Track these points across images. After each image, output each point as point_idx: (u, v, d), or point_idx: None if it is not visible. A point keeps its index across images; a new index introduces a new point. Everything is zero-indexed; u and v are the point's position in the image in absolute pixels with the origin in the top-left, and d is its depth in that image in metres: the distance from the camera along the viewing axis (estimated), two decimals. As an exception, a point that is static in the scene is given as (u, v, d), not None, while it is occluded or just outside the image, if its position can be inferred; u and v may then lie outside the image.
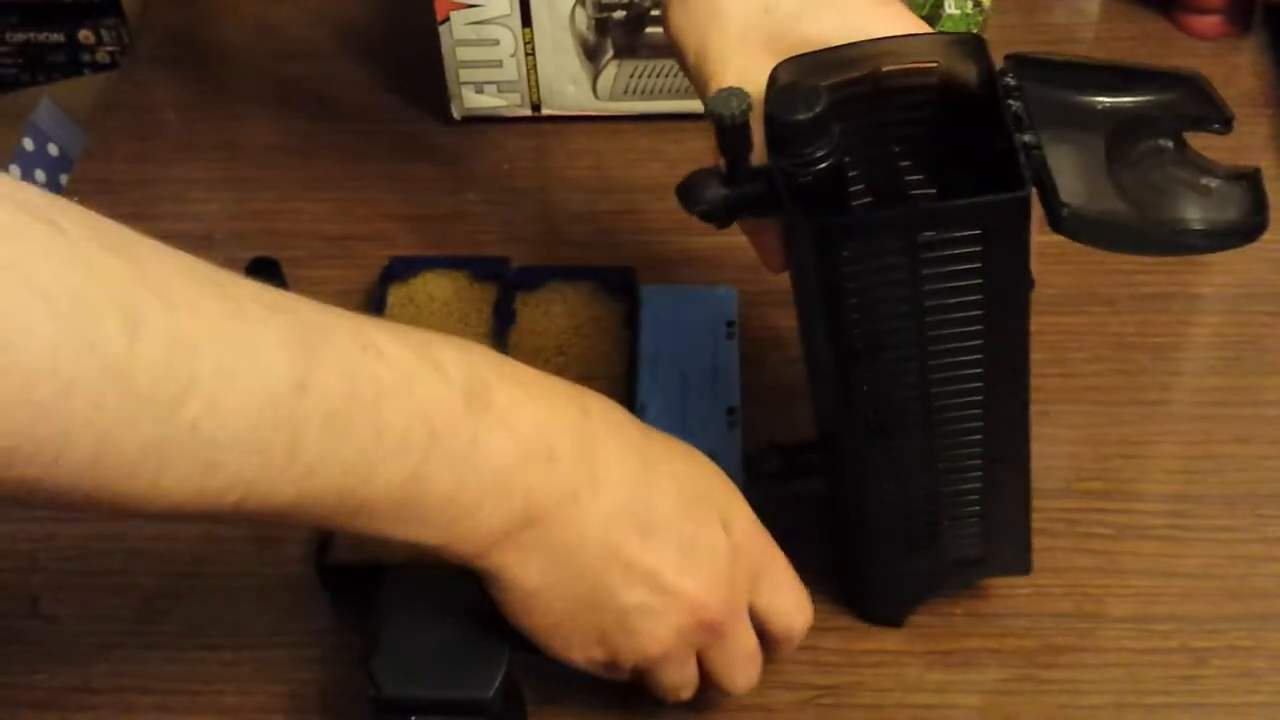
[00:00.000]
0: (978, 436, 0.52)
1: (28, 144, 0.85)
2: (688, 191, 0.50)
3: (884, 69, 0.50)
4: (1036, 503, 0.61)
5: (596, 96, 0.80)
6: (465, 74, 0.79)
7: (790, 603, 0.53)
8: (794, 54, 0.50)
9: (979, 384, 0.51)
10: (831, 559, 0.59)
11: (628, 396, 0.64)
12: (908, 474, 0.53)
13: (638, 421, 0.51)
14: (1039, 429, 0.64)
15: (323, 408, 0.41)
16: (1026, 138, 0.48)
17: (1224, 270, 0.72)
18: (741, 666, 0.52)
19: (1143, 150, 0.50)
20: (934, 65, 0.50)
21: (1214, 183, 0.49)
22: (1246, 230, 0.48)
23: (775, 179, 0.48)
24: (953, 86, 0.50)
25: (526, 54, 0.78)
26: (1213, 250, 0.51)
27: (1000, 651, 0.57)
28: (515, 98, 0.80)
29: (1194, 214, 0.49)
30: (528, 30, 0.77)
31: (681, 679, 0.52)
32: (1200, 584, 0.59)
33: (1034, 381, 0.65)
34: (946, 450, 0.52)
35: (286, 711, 0.57)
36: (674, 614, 0.49)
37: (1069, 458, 0.64)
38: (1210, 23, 0.84)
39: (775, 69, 0.49)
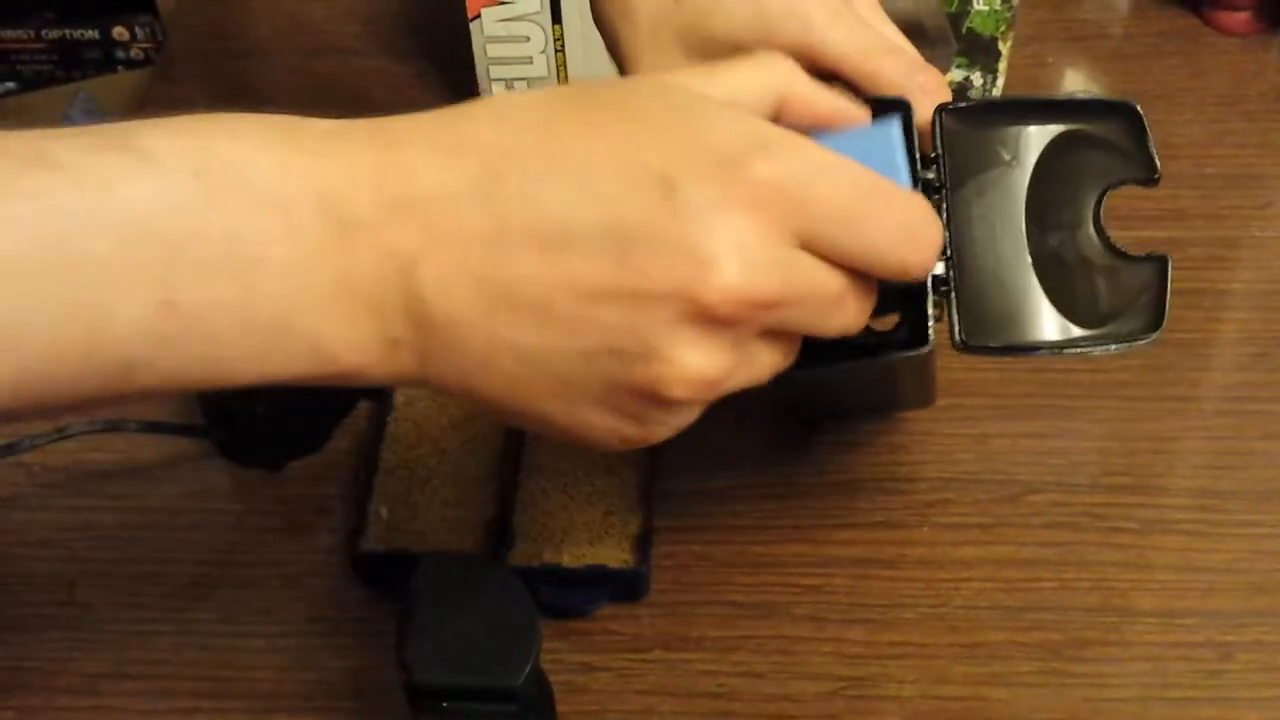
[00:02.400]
0: None
1: (63, 139, 0.86)
2: None
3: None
4: (1062, 497, 0.62)
5: (625, 92, 0.80)
6: (496, 70, 0.79)
7: (887, 236, 0.41)
8: (705, 48, 0.50)
9: None
10: None
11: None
12: None
13: (522, 102, 0.40)
14: (1067, 423, 0.65)
15: None
16: (937, 269, 0.49)
17: (1253, 266, 0.72)
18: (831, 315, 0.41)
19: (1063, 216, 0.51)
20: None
21: (1123, 267, 0.51)
22: (1135, 338, 0.50)
23: None
24: None
25: (556, 50, 0.78)
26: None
27: (1026, 644, 0.58)
28: (545, 94, 0.80)
29: (1089, 313, 0.50)
30: (558, 27, 0.77)
31: (757, 370, 0.41)
32: (1227, 579, 0.59)
33: (1063, 377, 0.66)
34: None
35: (319, 698, 0.57)
36: (663, 320, 0.38)
37: (1096, 453, 0.64)
38: (1239, 19, 0.84)
39: None
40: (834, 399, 0.61)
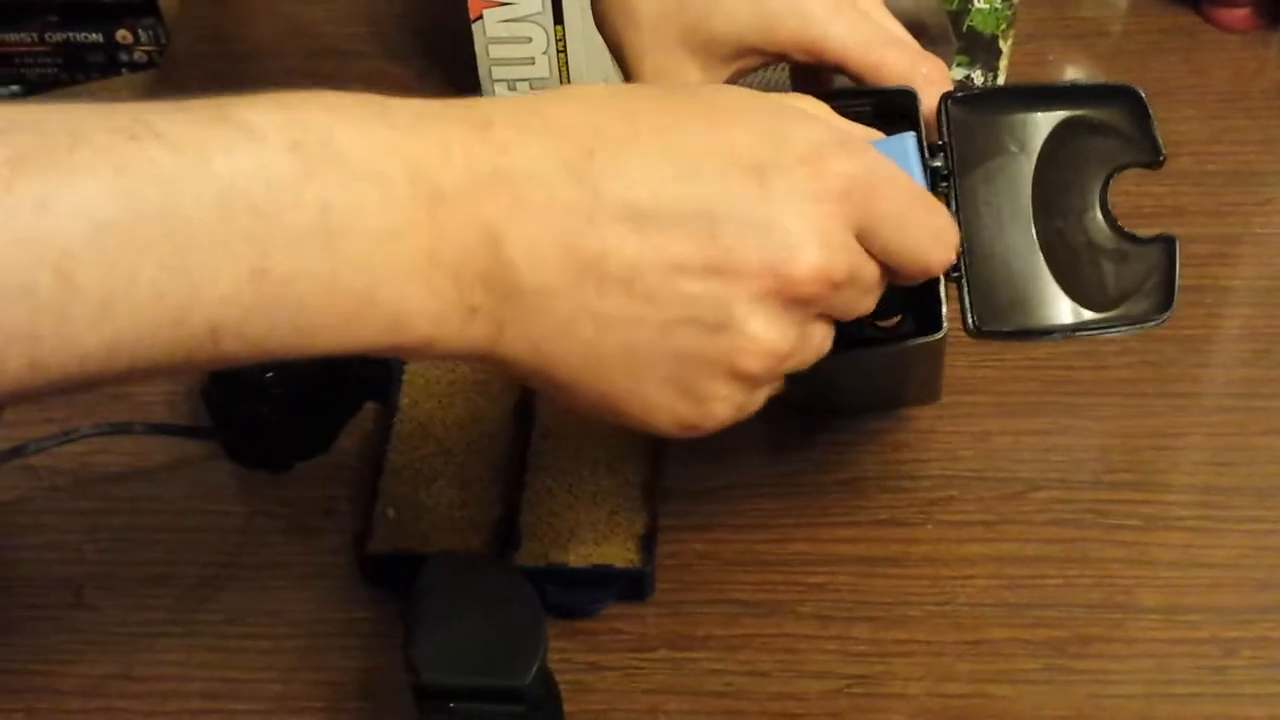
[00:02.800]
0: None
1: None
2: None
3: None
4: (1066, 494, 0.62)
5: (627, 93, 0.81)
6: (498, 71, 0.79)
7: (923, 239, 0.45)
8: (709, 48, 0.51)
9: None
10: None
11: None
12: None
13: (607, 92, 0.44)
14: (1069, 420, 0.65)
15: (81, 224, 0.34)
16: (954, 271, 0.50)
17: (1255, 262, 0.72)
18: (863, 300, 0.45)
19: (1069, 201, 0.52)
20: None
21: (1131, 250, 0.51)
22: (1146, 319, 0.51)
23: None
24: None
25: (558, 51, 0.78)
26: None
27: (1031, 642, 0.58)
28: (547, 94, 0.81)
29: (1099, 297, 0.51)
30: (559, 28, 0.77)
31: (810, 351, 0.44)
32: (1230, 575, 0.60)
33: (1065, 374, 0.66)
34: None
35: (327, 699, 0.57)
36: (745, 296, 0.41)
37: (1099, 449, 0.64)
38: (1239, 15, 0.84)
39: None
40: (844, 394, 0.61)
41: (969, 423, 0.65)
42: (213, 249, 0.36)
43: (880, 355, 0.52)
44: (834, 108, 0.47)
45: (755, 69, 0.53)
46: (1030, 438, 0.64)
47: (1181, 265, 0.50)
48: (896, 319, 0.52)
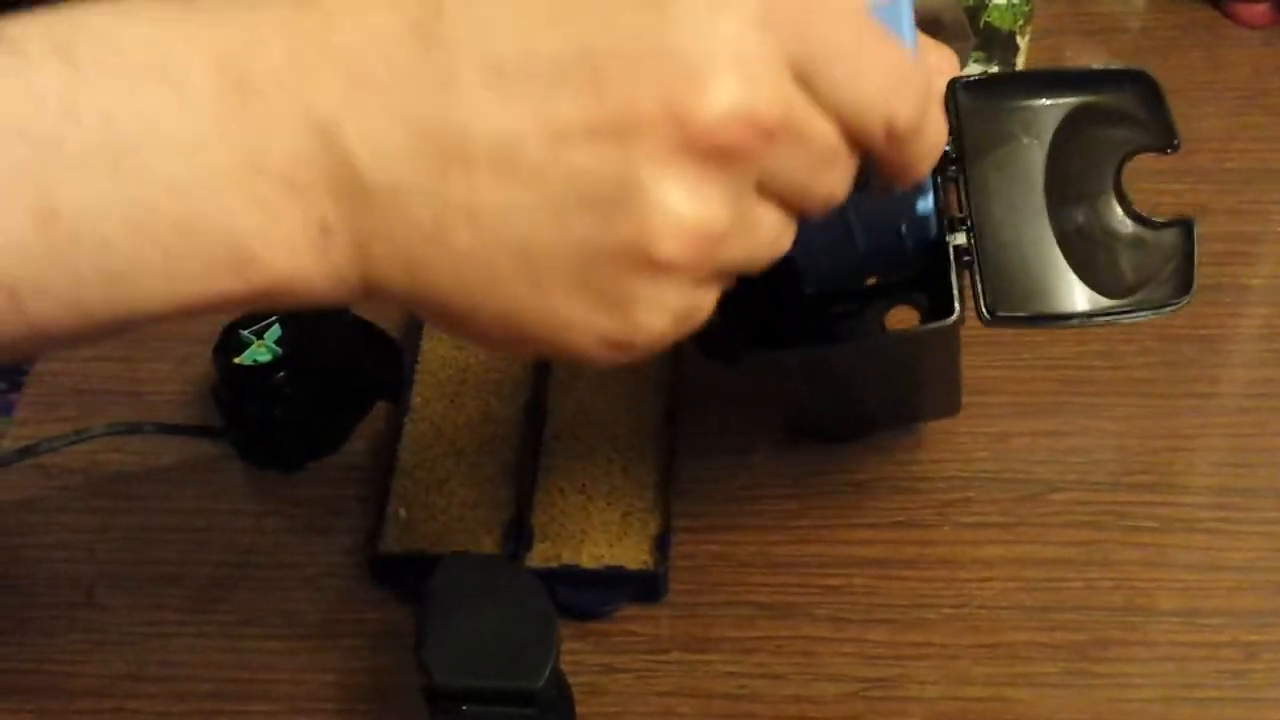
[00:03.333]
0: None
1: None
2: None
3: None
4: (1084, 495, 0.61)
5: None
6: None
7: (875, 79, 0.35)
8: None
9: None
10: None
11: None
12: None
13: None
14: (1087, 421, 0.64)
15: None
16: (958, 239, 0.49)
17: (1274, 261, 0.71)
18: (822, 172, 0.35)
19: (1084, 188, 0.51)
20: None
21: (1148, 236, 0.50)
22: (1166, 304, 0.50)
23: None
24: None
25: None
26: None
27: (1049, 645, 0.57)
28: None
29: (1117, 284, 0.50)
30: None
31: (759, 239, 0.35)
32: (1250, 577, 0.59)
33: (1083, 374, 0.66)
34: None
35: (338, 700, 0.57)
36: (648, 154, 0.32)
37: (1117, 450, 0.64)
38: (1259, 11, 0.83)
39: None
40: (860, 405, 0.60)
41: (986, 424, 0.64)
42: None
43: (893, 346, 0.51)
44: None
45: None
46: (1048, 439, 0.64)
47: (1200, 249, 0.49)
48: (914, 320, 0.51)
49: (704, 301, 0.35)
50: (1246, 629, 0.57)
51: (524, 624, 0.49)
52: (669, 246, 0.32)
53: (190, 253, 0.32)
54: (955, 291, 0.48)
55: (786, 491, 0.62)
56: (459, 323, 0.34)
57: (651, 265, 0.33)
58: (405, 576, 0.59)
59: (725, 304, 0.37)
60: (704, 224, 0.32)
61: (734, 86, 0.31)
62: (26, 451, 0.63)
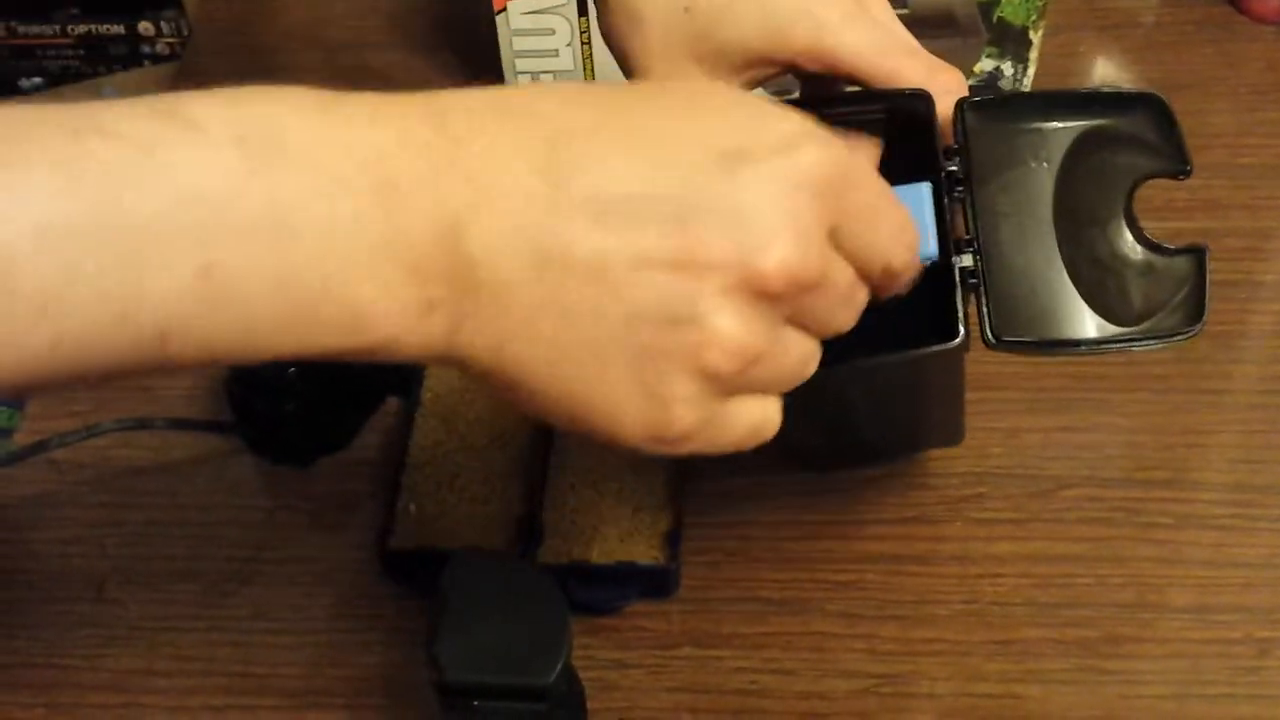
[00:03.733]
0: None
1: (90, 135, 0.86)
2: None
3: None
4: (1096, 491, 0.61)
5: (652, 85, 0.80)
6: (521, 64, 0.79)
7: (884, 234, 0.42)
8: (717, 58, 0.49)
9: None
10: None
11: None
12: None
13: (576, 87, 0.42)
14: (1099, 417, 0.64)
15: (17, 223, 0.33)
16: (965, 261, 0.48)
17: (1288, 257, 0.71)
18: (840, 311, 0.42)
19: (1093, 213, 0.50)
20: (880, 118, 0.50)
21: (1159, 262, 0.50)
22: (1176, 333, 0.49)
23: None
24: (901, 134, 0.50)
25: (583, 43, 0.78)
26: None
27: (1061, 641, 0.57)
28: (571, 86, 0.80)
29: (1126, 311, 0.49)
30: (584, 19, 0.77)
31: (786, 361, 0.41)
32: (1263, 574, 0.59)
33: (1095, 370, 0.65)
34: None
35: (349, 695, 0.57)
36: (712, 289, 0.38)
37: (1130, 446, 0.63)
38: (1273, 7, 0.83)
39: None
40: (860, 431, 0.59)
41: (999, 419, 0.64)
42: (156, 245, 0.34)
43: (895, 368, 0.50)
44: (845, 113, 0.46)
45: (766, 80, 0.52)
46: (1060, 434, 0.63)
47: (1212, 275, 0.49)
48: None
49: (729, 415, 0.41)
50: (1259, 625, 0.57)
51: (536, 620, 0.49)
52: (715, 357, 0.39)
53: (319, 315, 0.37)
54: (961, 314, 0.47)
55: (796, 488, 0.62)
56: (528, 397, 0.40)
57: (697, 371, 0.39)
58: (416, 572, 0.59)
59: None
60: (745, 344, 0.39)
61: (788, 247, 0.39)
62: (38, 447, 0.63)
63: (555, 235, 0.38)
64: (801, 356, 0.42)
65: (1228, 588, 0.58)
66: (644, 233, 0.38)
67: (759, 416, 0.42)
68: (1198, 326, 0.49)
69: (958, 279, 0.48)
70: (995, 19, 0.74)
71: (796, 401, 0.42)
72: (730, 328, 0.39)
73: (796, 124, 0.41)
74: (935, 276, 0.48)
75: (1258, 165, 0.75)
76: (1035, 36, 0.75)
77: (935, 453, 0.63)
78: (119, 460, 0.65)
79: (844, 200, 0.40)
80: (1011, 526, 0.60)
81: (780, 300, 0.39)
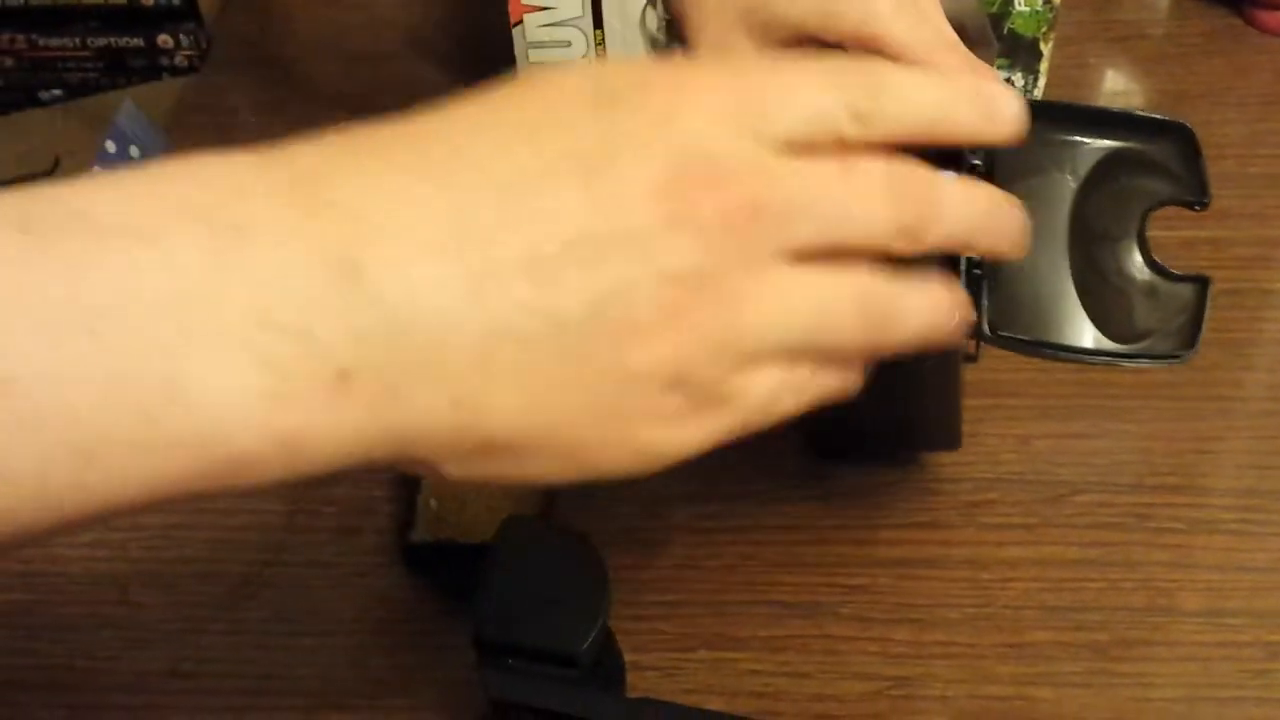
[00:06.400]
0: None
1: (110, 146, 0.87)
2: None
3: None
4: (1107, 497, 0.62)
5: (666, 96, 0.81)
6: (537, 75, 0.80)
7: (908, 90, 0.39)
8: (766, 30, 0.49)
9: None
10: None
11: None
12: None
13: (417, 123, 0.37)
14: (1110, 424, 0.65)
15: None
16: (975, 270, 0.49)
17: (1297, 266, 0.72)
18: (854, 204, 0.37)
19: (1107, 229, 0.51)
20: None
21: (1163, 286, 0.51)
22: (1167, 357, 0.50)
23: None
24: None
25: (598, 55, 0.79)
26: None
27: (1072, 645, 0.58)
28: (586, 98, 0.81)
29: (1124, 328, 0.50)
30: (599, 31, 0.78)
31: (754, 403, 0.37)
32: (1273, 578, 0.59)
33: (1106, 377, 0.66)
34: None
35: (369, 696, 0.58)
36: (661, 240, 0.33)
37: (1141, 452, 0.64)
38: (1282, 18, 0.83)
39: None
40: (854, 422, 0.59)
41: (1010, 425, 0.64)
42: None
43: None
44: None
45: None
46: (1072, 440, 0.64)
47: (1217, 284, 0.50)
48: None
49: (736, 391, 0.37)
50: (1269, 629, 0.58)
51: (579, 589, 0.49)
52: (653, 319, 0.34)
53: (177, 425, 0.29)
54: None
55: (810, 492, 0.63)
56: (506, 447, 0.33)
57: (658, 359, 0.35)
58: (437, 565, 0.59)
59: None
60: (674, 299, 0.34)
61: (725, 170, 0.35)
62: (62, 451, 0.64)
63: (480, 250, 0.32)
64: (767, 401, 0.37)
65: (1238, 592, 0.59)
66: (547, 218, 0.33)
67: (764, 390, 0.37)
68: (1189, 353, 0.49)
69: (964, 270, 0.48)
70: (1006, 30, 0.74)
71: None
72: (669, 294, 0.33)
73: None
74: (942, 268, 0.48)
75: (1267, 175, 0.75)
76: (1045, 48, 0.76)
77: (947, 459, 0.63)
78: (141, 465, 0.66)
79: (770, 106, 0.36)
80: (1023, 531, 0.61)
81: (740, 227, 0.34)
